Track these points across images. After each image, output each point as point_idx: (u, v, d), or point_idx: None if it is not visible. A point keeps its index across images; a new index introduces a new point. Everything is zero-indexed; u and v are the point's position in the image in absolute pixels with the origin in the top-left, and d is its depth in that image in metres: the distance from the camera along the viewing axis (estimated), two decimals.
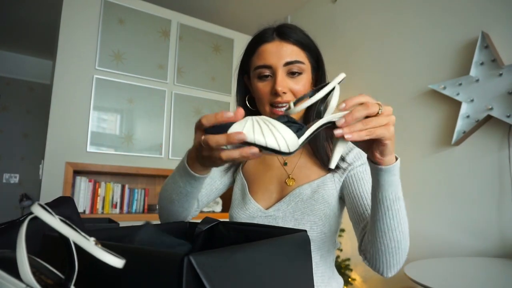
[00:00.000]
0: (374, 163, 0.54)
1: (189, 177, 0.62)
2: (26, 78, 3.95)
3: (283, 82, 0.74)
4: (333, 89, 0.49)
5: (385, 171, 0.53)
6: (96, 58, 2.47)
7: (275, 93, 0.74)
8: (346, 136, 0.46)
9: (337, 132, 0.46)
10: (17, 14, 3.04)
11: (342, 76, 0.51)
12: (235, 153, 0.44)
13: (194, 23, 2.97)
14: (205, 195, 0.88)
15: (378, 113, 0.47)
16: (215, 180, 0.89)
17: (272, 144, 0.42)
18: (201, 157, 0.53)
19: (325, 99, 0.50)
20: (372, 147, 0.52)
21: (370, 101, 0.47)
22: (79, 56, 2.42)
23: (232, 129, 0.43)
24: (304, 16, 2.85)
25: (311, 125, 0.48)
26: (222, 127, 0.45)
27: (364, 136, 0.46)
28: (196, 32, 2.97)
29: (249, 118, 0.45)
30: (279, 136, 0.43)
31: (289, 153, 0.44)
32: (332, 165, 0.52)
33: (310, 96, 0.49)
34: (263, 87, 0.76)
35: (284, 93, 0.73)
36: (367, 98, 0.48)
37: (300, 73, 0.76)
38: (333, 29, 2.50)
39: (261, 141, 0.42)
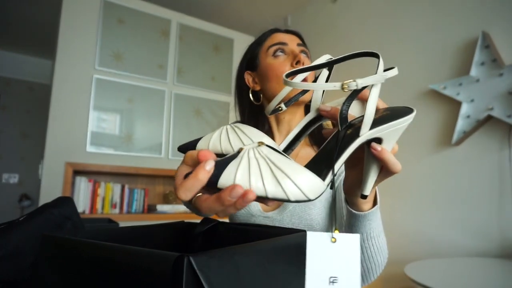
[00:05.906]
0: (352, 206, 0.49)
1: None
2: (25, 78, 3.94)
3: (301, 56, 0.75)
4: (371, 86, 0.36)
5: (363, 217, 0.49)
6: (95, 58, 2.47)
7: (297, 62, 0.74)
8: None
9: (379, 148, 0.38)
10: (17, 14, 3.04)
11: (394, 72, 0.37)
12: (216, 204, 0.31)
13: (194, 23, 2.97)
14: None
15: None
16: None
17: (276, 194, 0.30)
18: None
19: (352, 98, 0.38)
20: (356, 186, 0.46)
21: None
22: (79, 56, 2.42)
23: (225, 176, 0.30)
24: (304, 16, 2.84)
25: (333, 144, 0.36)
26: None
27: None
28: (196, 32, 2.97)
29: (244, 152, 0.32)
30: (288, 184, 0.30)
31: (309, 201, 0.32)
32: (367, 191, 0.42)
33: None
34: (279, 63, 0.76)
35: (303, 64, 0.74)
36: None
37: (308, 58, 0.79)
38: (333, 29, 2.50)
39: (258, 189, 0.30)
